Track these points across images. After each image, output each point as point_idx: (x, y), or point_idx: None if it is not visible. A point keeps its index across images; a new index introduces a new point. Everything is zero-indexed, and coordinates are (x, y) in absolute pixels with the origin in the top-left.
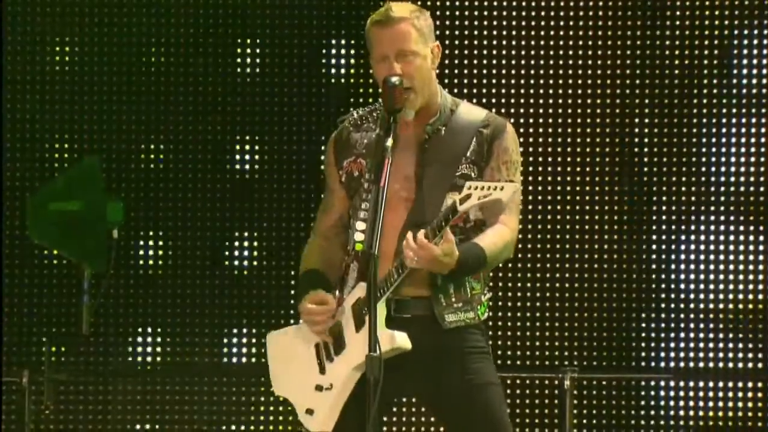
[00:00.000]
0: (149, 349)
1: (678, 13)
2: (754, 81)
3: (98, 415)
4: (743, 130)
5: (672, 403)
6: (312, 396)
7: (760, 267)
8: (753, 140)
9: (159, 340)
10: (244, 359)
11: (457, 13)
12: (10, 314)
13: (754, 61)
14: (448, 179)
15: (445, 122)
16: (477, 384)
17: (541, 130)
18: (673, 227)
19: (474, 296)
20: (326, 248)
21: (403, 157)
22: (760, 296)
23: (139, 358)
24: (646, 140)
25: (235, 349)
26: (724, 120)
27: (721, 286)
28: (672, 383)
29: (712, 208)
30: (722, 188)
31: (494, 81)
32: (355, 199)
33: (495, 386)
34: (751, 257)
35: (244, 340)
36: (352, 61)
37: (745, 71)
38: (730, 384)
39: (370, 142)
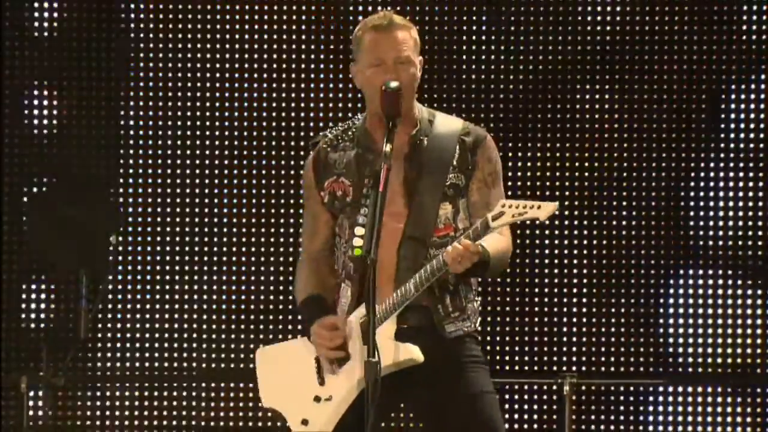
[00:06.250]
0: (147, 355)
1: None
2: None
3: (96, 421)
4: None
5: (671, 408)
6: (309, 407)
7: (760, 265)
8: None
9: (157, 345)
10: (242, 365)
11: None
12: (8, 319)
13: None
14: (439, 189)
15: (425, 133)
16: (473, 393)
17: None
18: (672, 232)
19: (467, 305)
20: (318, 271)
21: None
22: (759, 301)
23: (137, 364)
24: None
25: (233, 355)
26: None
27: (720, 291)
28: (671, 389)
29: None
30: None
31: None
32: (341, 219)
33: (490, 394)
34: (751, 262)
35: (242, 346)
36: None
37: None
38: (729, 389)
39: (350, 161)
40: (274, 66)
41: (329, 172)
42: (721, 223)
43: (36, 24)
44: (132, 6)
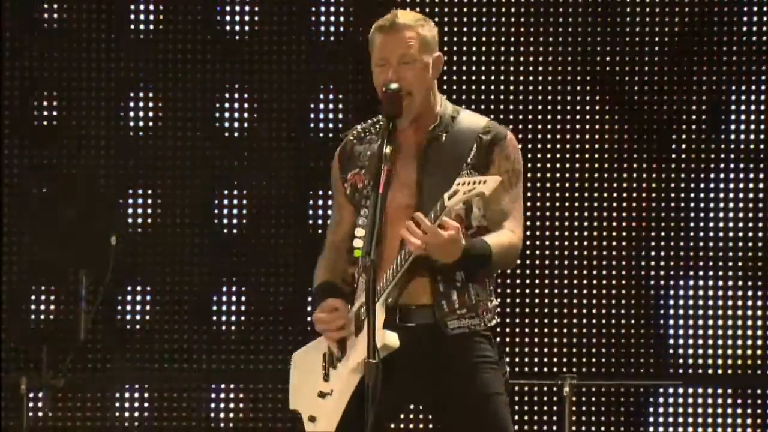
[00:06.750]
0: (147, 356)
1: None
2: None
3: (96, 422)
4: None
5: (671, 410)
6: (315, 403)
7: (760, 265)
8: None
9: (157, 346)
10: (242, 366)
11: (458, 20)
12: (8, 320)
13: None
14: (449, 186)
15: (446, 129)
16: (482, 394)
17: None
18: (673, 233)
19: (479, 303)
20: (337, 261)
21: (404, 165)
22: (759, 302)
23: (138, 364)
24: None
25: (233, 356)
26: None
27: (720, 293)
28: (671, 390)
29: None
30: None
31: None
32: (361, 211)
33: (499, 396)
34: (751, 263)
35: (243, 347)
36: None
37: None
38: (730, 390)
39: (373, 153)
40: (275, 67)
41: (353, 164)
42: (721, 224)
43: (37, 24)
44: (132, 6)
